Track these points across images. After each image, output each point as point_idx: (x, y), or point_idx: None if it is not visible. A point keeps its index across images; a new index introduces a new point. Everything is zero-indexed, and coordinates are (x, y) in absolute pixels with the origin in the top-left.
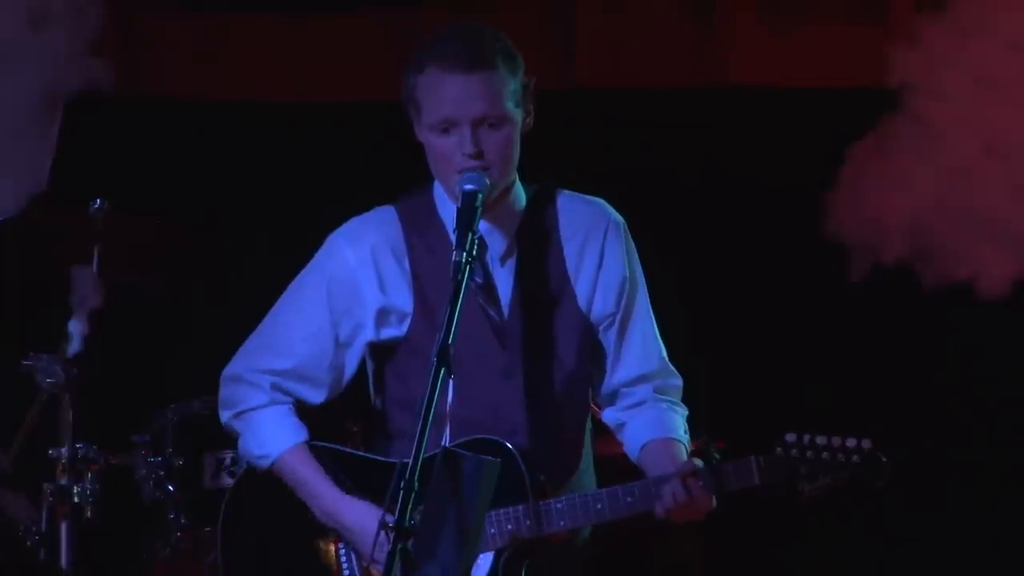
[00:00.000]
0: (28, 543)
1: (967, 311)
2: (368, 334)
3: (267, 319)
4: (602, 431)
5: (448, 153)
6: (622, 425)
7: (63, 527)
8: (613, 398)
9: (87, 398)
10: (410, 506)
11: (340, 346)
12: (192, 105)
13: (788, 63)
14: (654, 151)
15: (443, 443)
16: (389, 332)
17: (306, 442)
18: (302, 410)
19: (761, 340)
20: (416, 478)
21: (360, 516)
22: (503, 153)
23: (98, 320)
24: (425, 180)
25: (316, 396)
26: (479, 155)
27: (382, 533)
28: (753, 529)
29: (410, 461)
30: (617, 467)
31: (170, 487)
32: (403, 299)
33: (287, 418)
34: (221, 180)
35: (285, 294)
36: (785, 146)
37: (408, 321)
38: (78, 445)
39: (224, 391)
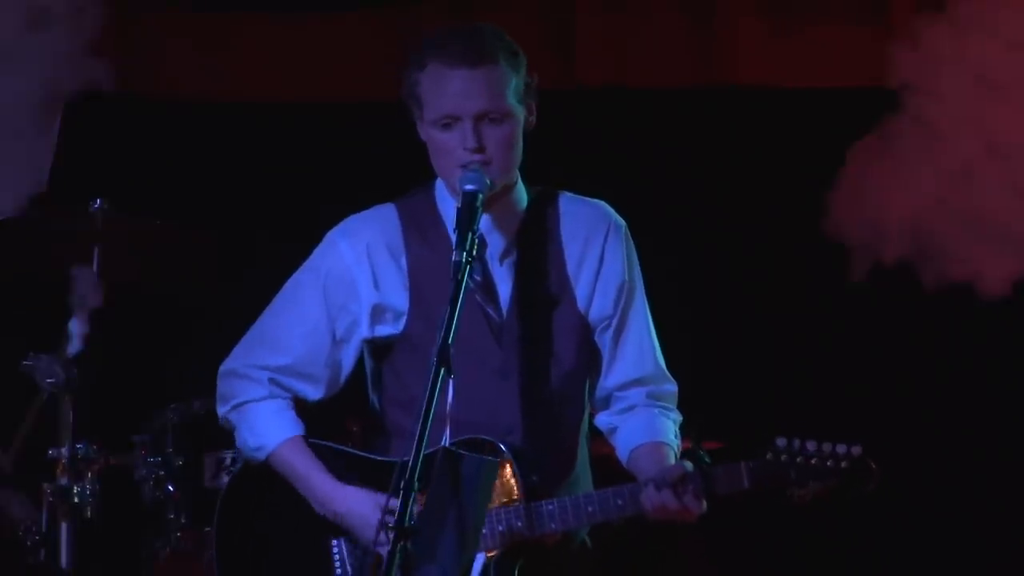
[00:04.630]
0: (28, 543)
1: (967, 311)
2: (363, 331)
3: (264, 315)
4: (598, 433)
5: (450, 148)
6: (614, 429)
7: (63, 527)
8: (607, 402)
9: (87, 398)
10: (410, 506)
11: (336, 342)
12: (192, 105)
13: (788, 63)
14: (654, 151)
15: (443, 443)
16: (384, 330)
17: (303, 437)
18: (301, 408)
19: (761, 340)
20: (416, 478)
21: (356, 503)
22: (505, 149)
23: (98, 320)
24: (426, 180)
25: (314, 392)
26: (480, 150)
27: (383, 527)
28: (756, 531)
29: (410, 460)
30: (615, 469)
31: (170, 487)
32: (398, 297)
33: (284, 412)
34: (221, 180)
35: (282, 291)
36: (786, 146)
37: (404, 319)
38: (78, 445)
39: (221, 386)
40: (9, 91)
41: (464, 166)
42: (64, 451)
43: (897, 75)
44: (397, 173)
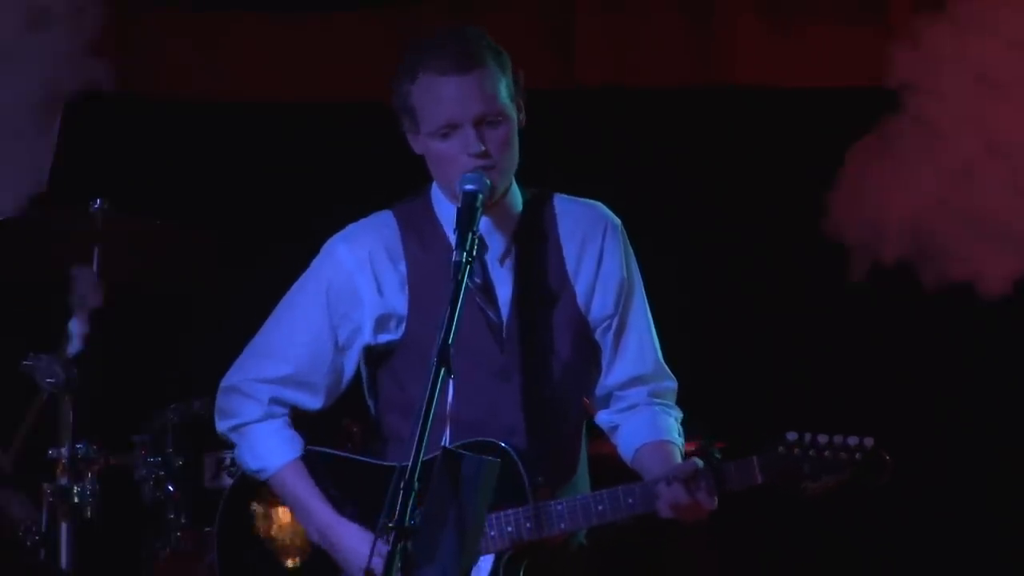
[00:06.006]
0: (28, 543)
1: (967, 311)
2: (365, 338)
3: (265, 326)
4: (594, 432)
5: (452, 156)
6: (616, 428)
7: (63, 527)
8: (607, 400)
9: (87, 398)
10: (410, 507)
11: (339, 350)
12: (192, 105)
13: (788, 63)
14: (654, 151)
15: (443, 444)
16: (386, 336)
17: (302, 454)
18: (301, 413)
19: (761, 340)
20: (416, 478)
21: (352, 540)
22: (505, 150)
23: (98, 320)
24: (424, 182)
25: (314, 402)
26: (485, 154)
27: (377, 542)
28: (761, 528)
29: (409, 463)
30: (610, 467)
31: (170, 487)
32: (399, 302)
33: (282, 432)
34: (221, 180)
35: (283, 301)
36: (785, 146)
37: (404, 324)
38: (78, 445)
39: (221, 400)
40: (9, 91)
41: (470, 172)
42: (64, 451)
43: (897, 75)
44: (396, 173)
